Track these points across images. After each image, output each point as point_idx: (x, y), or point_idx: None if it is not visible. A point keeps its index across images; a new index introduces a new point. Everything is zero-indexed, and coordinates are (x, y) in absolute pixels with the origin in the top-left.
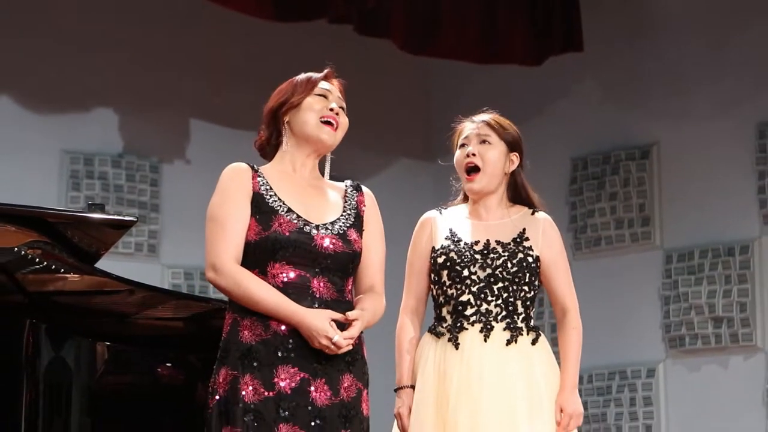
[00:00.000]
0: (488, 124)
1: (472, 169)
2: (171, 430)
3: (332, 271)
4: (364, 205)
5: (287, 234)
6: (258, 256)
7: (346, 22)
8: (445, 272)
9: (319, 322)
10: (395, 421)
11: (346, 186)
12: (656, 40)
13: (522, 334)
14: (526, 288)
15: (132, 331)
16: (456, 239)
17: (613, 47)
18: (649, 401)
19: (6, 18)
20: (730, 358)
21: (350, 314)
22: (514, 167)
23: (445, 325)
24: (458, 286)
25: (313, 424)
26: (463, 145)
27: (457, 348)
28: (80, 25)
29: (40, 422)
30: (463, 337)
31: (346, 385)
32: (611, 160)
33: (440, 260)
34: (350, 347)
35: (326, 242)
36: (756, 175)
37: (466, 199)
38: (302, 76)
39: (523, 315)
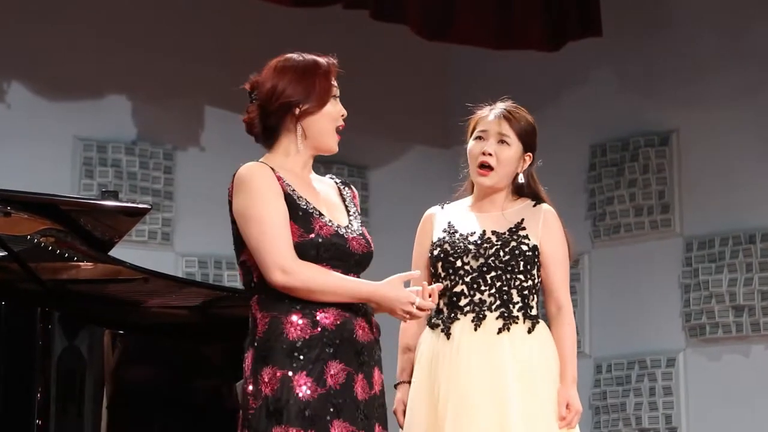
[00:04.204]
0: (509, 121)
1: (486, 167)
2: (185, 418)
3: (358, 269)
4: (356, 203)
5: (329, 237)
6: (300, 257)
7: (362, 7)
8: (439, 264)
9: (398, 291)
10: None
11: (336, 183)
12: (675, 25)
13: (516, 323)
14: (521, 277)
15: (146, 319)
16: (452, 231)
17: (631, 32)
18: (669, 391)
19: (20, 4)
20: (752, 347)
21: (426, 284)
22: (526, 167)
23: (441, 316)
24: (452, 277)
25: (359, 419)
26: (480, 137)
27: (448, 338)
28: (94, 12)
29: (53, 410)
30: (454, 327)
31: (376, 378)
32: (630, 146)
33: (435, 252)
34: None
35: (355, 243)
36: None
37: (471, 190)
38: (319, 72)
39: (520, 304)
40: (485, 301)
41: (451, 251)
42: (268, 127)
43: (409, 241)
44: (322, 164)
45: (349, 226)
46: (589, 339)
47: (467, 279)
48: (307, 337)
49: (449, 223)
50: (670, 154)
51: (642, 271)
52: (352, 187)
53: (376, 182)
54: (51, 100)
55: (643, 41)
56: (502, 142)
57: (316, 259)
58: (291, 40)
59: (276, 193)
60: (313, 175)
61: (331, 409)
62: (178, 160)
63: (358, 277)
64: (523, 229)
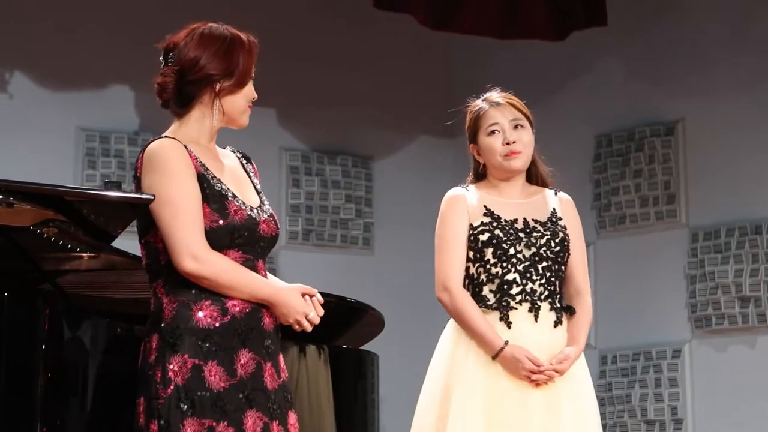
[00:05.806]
0: (515, 107)
1: (513, 152)
2: None
3: (266, 252)
4: (258, 179)
5: (242, 222)
6: (212, 243)
7: None
8: (489, 250)
9: (297, 299)
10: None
11: (237, 156)
12: (681, 14)
13: (563, 315)
14: (563, 268)
15: (149, 310)
16: (495, 216)
17: (637, 22)
18: (674, 382)
19: None
20: (758, 338)
21: (317, 292)
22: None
23: (489, 303)
24: (504, 265)
25: (270, 408)
26: (494, 131)
27: (509, 327)
28: (96, 2)
29: (56, 404)
30: (513, 315)
31: (282, 365)
32: (636, 136)
33: (483, 237)
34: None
35: (265, 227)
36: None
37: (476, 181)
38: (243, 50)
39: (559, 296)
40: (536, 290)
41: (504, 238)
42: (183, 95)
43: (413, 230)
44: (327, 155)
45: (261, 206)
46: (595, 330)
47: (520, 267)
48: (217, 325)
49: (485, 207)
50: (676, 145)
51: (647, 262)
52: (253, 161)
53: (380, 173)
54: (53, 90)
55: (649, 31)
56: (518, 126)
57: (229, 245)
58: (294, 29)
59: (190, 174)
60: (219, 149)
61: (243, 400)
62: None
63: (265, 259)
64: (560, 219)
